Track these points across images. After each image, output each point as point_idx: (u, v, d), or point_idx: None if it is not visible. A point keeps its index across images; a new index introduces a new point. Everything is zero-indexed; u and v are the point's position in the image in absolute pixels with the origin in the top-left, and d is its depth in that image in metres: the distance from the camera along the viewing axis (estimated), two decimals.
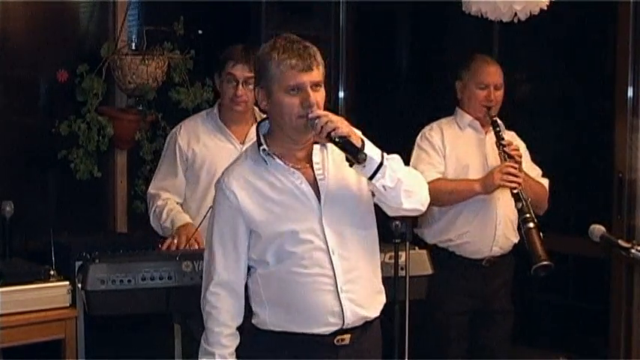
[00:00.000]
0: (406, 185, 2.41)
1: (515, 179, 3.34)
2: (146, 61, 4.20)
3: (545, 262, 3.21)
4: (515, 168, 3.37)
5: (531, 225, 3.27)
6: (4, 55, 4.11)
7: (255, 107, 3.48)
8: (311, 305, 2.41)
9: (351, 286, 2.44)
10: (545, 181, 3.62)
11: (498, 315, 3.61)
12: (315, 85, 2.38)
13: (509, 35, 4.38)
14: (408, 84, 5.30)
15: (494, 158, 3.50)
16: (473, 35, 4.50)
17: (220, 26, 4.66)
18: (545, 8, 3.18)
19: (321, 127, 2.31)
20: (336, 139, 2.31)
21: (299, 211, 2.41)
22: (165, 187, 3.42)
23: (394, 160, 2.42)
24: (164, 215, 3.32)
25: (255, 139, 2.51)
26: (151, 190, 3.45)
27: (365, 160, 2.32)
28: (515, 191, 3.34)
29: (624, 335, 3.94)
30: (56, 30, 4.32)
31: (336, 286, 2.41)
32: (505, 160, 3.40)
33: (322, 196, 2.43)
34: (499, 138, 3.46)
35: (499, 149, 3.44)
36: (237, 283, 2.46)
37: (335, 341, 2.45)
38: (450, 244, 3.54)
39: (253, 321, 2.49)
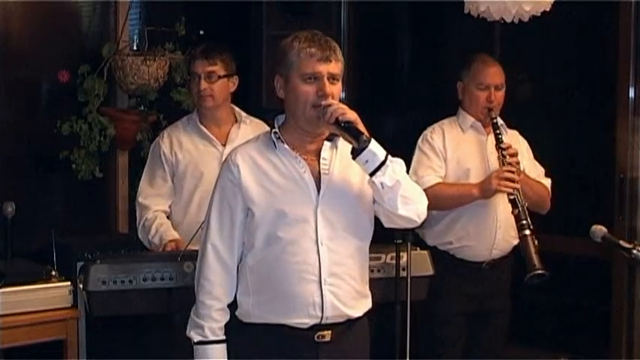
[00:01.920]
0: (404, 191, 2.43)
1: (511, 184, 3.33)
2: (147, 62, 4.20)
3: (538, 272, 3.22)
4: (513, 172, 3.36)
5: (527, 232, 3.28)
6: (6, 55, 4.11)
7: (236, 107, 3.48)
8: (293, 293, 2.42)
9: (335, 280, 2.45)
10: (548, 181, 3.61)
11: (495, 315, 3.60)
12: (332, 78, 2.43)
13: (510, 35, 4.38)
14: (408, 84, 5.30)
15: (495, 160, 3.49)
16: (474, 35, 4.50)
17: (221, 27, 4.66)
18: (549, 9, 3.17)
19: (331, 112, 2.37)
20: (342, 123, 2.37)
21: (296, 196, 2.44)
22: (153, 193, 3.41)
23: (397, 163, 2.44)
24: (152, 230, 3.32)
25: (237, 140, 2.54)
26: (140, 199, 3.44)
27: (366, 143, 2.35)
28: (511, 197, 3.34)
29: (626, 336, 3.93)
30: (57, 30, 4.32)
31: (320, 277, 2.42)
32: (503, 164, 3.39)
33: (322, 189, 2.46)
34: (498, 141, 3.45)
35: (498, 152, 3.43)
36: (230, 258, 2.49)
37: (315, 337, 2.46)
38: (450, 247, 3.53)
39: (237, 312, 2.51)
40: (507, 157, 3.39)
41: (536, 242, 3.26)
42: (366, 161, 2.38)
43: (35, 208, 4.13)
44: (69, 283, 3.45)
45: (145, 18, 4.54)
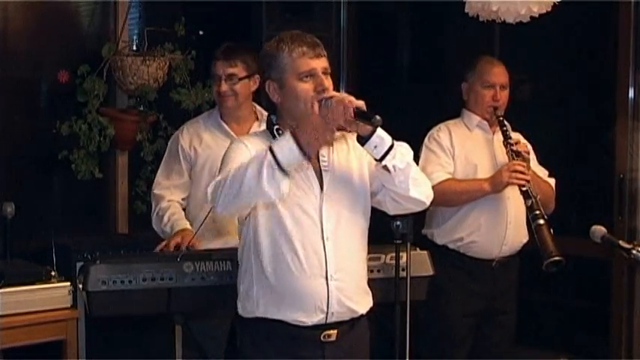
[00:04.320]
0: (414, 173, 2.47)
1: (523, 176, 3.35)
2: (147, 62, 4.20)
3: (556, 258, 3.20)
4: (523, 165, 3.38)
5: (541, 222, 3.26)
6: (5, 55, 4.11)
7: (257, 105, 3.49)
8: (300, 288, 2.43)
9: (341, 275, 2.47)
10: (552, 181, 3.62)
11: (503, 316, 3.61)
12: (325, 72, 2.46)
13: (510, 35, 4.38)
14: (408, 84, 5.30)
15: (502, 158, 3.50)
16: (474, 35, 4.50)
17: (221, 27, 4.66)
18: (550, 9, 3.18)
19: (336, 102, 2.37)
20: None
21: (301, 192, 2.46)
22: (168, 185, 3.44)
23: (404, 147, 2.48)
24: (165, 219, 3.34)
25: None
26: (155, 190, 3.47)
27: (380, 122, 2.36)
28: (524, 188, 3.34)
29: (625, 336, 3.93)
30: (57, 31, 4.32)
31: (326, 272, 2.44)
32: (513, 158, 3.41)
33: (325, 185, 2.49)
34: (506, 137, 3.47)
35: (506, 148, 3.45)
36: None
37: (321, 337, 2.47)
38: (460, 243, 3.53)
39: (240, 307, 2.51)
40: (516, 150, 3.40)
41: (551, 231, 3.25)
42: (375, 146, 2.40)
43: (35, 208, 4.12)
44: (68, 283, 3.44)
45: (145, 18, 4.54)
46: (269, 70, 2.49)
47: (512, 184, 3.38)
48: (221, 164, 2.52)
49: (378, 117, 2.36)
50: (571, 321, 4.46)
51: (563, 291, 4.39)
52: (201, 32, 4.42)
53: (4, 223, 3.74)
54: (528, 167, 3.41)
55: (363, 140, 2.41)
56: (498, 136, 3.54)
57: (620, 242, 2.78)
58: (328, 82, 2.46)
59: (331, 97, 2.40)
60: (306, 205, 2.46)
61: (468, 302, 3.53)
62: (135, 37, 4.44)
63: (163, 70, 4.28)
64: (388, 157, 2.41)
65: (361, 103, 2.39)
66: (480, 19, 3.20)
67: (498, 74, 3.57)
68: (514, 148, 3.42)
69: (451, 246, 3.55)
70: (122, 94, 4.40)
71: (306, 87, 2.44)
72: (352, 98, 2.40)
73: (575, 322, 4.44)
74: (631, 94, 3.92)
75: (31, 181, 4.20)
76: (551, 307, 4.51)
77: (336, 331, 2.49)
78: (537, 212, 3.28)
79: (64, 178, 4.23)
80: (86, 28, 4.46)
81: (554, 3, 3.16)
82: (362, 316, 2.56)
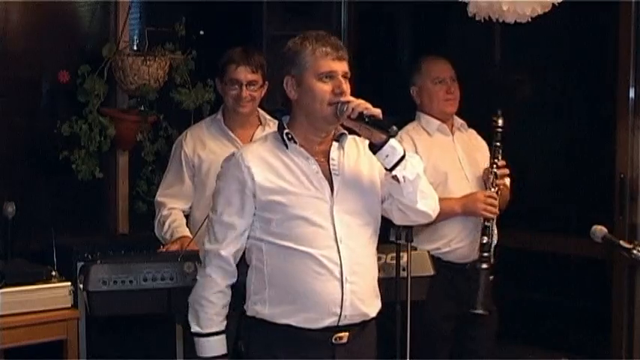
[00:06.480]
0: (422, 185, 2.48)
1: (495, 210, 3.39)
2: (148, 62, 4.20)
3: (480, 312, 3.33)
4: (496, 198, 3.40)
5: (485, 266, 3.35)
6: (6, 55, 4.11)
7: (261, 110, 3.50)
8: (316, 290, 2.42)
9: (355, 278, 2.46)
10: (508, 181, 3.63)
11: (481, 316, 3.60)
12: (344, 76, 2.46)
13: (510, 35, 4.38)
14: (409, 85, 5.29)
15: (466, 159, 3.53)
16: (474, 35, 4.50)
17: (222, 27, 4.66)
18: (548, 9, 3.18)
19: (352, 108, 2.38)
20: (366, 118, 2.39)
21: (312, 196, 2.46)
22: (171, 194, 3.44)
23: (415, 158, 2.49)
24: (166, 227, 3.35)
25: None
26: (158, 197, 3.48)
27: (396, 133, 2.37)
28: (487, 224, 3.39)
29: (626, 336, 3.93)
30: (58, 31, 4.32)
31: (342, 275, 2.43)
32: (493, 185, 3.41)
33: (335, 189, 2.48)
34: (494, 156, 3.46)
35: (491, 168, 3.45)
36: (232, 257, 2.49)
37: (333, 339, 2.47)
38: (437, 252, 3.49)
39: (250, 311, 2.49)
40: (500, 175, 3.42)
41: (491, 277, 3.33)
42: (387, 156, 2.42)
43: (35, 208, 4.13)
44: (69, 283, 3.45)
45: (145, 18, 4.54)
46: (289, 66, 2.48)
47: (484, 217, 3.40)
48: (214, 197, 2.55)
49: (395, 127, 2.37)
50: (571, 321, 4.45)
51: (564, 291, 4.39)
52: (201, 32, 4.42)
53: (5, 223, 3.74)
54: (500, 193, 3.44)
55: (375, 148, 2.43)
56: (458, 137, 3.57)
57: (621, 242, 2.78)
58: (346, 86, 2.46)
59: (348, 102, 2.41)
60: (318, 208, 2.45)
61: (445, 305, 3.51)
62: (135, 37, 4.44)
63: (164, 70, 4.28)
64: (399, 167, 2.42)
65: (378, 112, 2.40)
66: (477, 18, 3.19)
67: (445, 68, 3.59)
68: (498, 172, 3.44)
69: None
70: (123, 94, 4.40)
71: (324, 87, 2.43)
72: (369, 105, 2.41)
73: (575, 322, 4.44)
74: (631, 94, 3.91)
75: (31, 181, 4.21)
76: (552, 306, 4.51)
77: (347, 334, 2.48)
78: (486, 254, 3.37)
79: (64, 178, 4.23)
80: (86, 28, 4.46)
81: (554, 3, 3.16)
82: (372, 319, 2.56)
